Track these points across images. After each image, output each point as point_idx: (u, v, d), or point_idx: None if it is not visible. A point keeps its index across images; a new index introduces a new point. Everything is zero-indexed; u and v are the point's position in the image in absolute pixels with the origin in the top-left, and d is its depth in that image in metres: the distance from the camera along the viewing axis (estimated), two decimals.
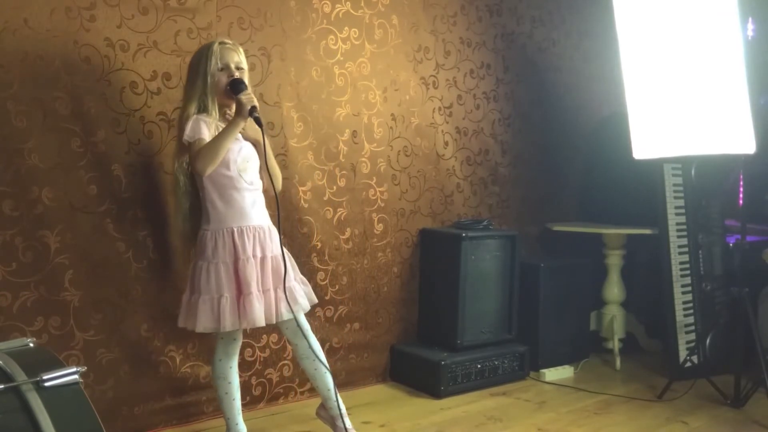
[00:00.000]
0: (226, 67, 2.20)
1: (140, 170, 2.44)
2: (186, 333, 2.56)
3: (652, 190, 3.33)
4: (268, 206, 2.33)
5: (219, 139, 2.14)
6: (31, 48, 2.21)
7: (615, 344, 3.53)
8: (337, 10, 2.94)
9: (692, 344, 3.25)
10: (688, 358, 3.19)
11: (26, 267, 2.23)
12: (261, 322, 2.18)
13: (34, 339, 1.64)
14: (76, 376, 1.43)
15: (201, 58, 2.21)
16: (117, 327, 2.42)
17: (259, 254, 2.22)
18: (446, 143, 3.38)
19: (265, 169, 2.27)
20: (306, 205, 2.87)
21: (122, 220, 2.41)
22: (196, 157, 2.14)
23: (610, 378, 3.35)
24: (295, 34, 2.81)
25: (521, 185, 3.72)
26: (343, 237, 3.01)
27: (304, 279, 2.38)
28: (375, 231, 3.13)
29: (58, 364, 1.45)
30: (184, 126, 2.17)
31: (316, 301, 2.39)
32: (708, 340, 3.27)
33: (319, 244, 2.92)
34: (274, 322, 2.24)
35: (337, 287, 3.00)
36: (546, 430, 2.65)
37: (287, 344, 2.83)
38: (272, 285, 2.23)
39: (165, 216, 2.50)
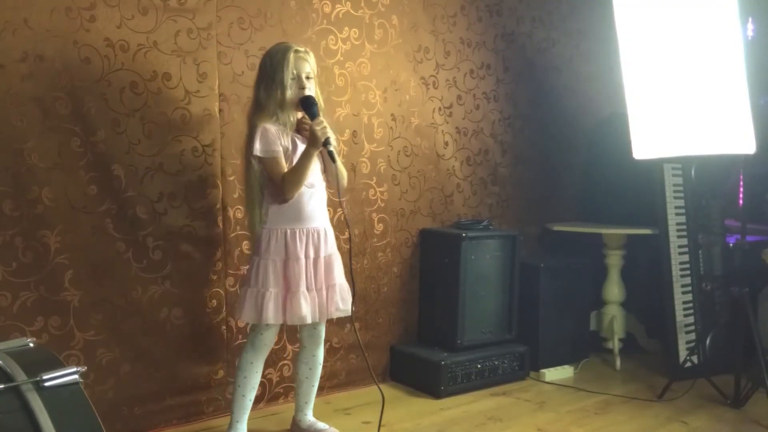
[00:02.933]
0: (297, 78, 2.28)
1: (140, 170, 2.44)
2: (186, 333, 2.57)
3: (652, 190, 3.33)
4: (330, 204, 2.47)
5: (299, 168, 2.25)
6: (31, 48, 2.21)
7: (615, 344, 3.53)
8: (337, 10, 2.94)
9: (692, 344, 3.25)
10: (688, 358, 3.20)
11: (26, 267, 2.24)
12: (308, 319, 2.29)
13: (34, 339, 1.63)
14: (76, 376, 1.43)
15: (276, 66, 2.26)
16: (117, 327, 2.42)
17: (312, 255, 2.33)
18: (446, 143, 3.38)
19: (330, 171, 2.38)
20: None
21: (122, 220, 2.41)
22: (283, 186, 2.26)
23: (610, 378, 3.35)
24: (295, 34, 2.81)
25: (521, 185, 3.72)
26: (343, 237, 3.01)
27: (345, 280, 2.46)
28: (375, 231, 3.13)
29: (58, 364, 1.45)
30: (253, 136, 2.25)
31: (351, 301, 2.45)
32: (708, 340, 3.27)
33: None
34: (325, 319, 2.39)
35: None
36: (546, 430, 2.65)
37: (287, 344, 2.83)
38: (325, 284, 2.35)
39: (165, 216, 2.50)
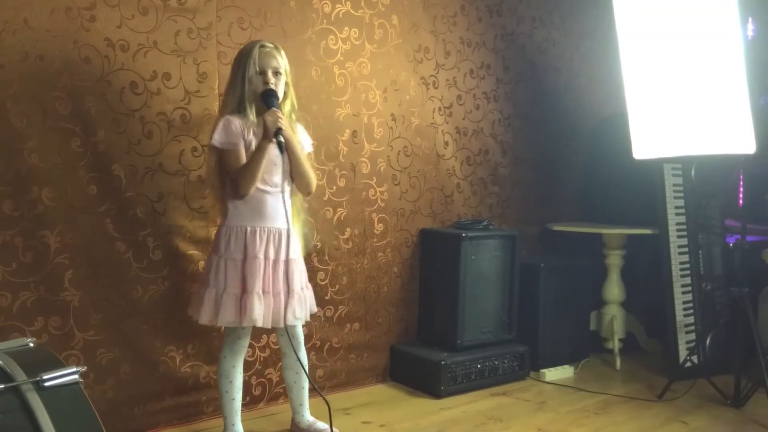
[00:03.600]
0: (263, 73, 2.23)
1: (140, 170, 2.44)
2: (186, 333, 2.57)
3: (652, 190, 3.33)
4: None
5: (252, 161, 2.18)
6: (31, 48, 2.21)
7: (615, 344, 3.53)
8: (337, 10, 2.94)
9: (692, 344, 3.25)
10: (688, 358, 3.20)
11: (26, 267, 2.23)
12: (259, 322, 2.20)
13: (34, 339, 1.63)
14: (76, 376, 1.43)
15: (241, 62, 2.24)
16: (117, 327, 2.42)
17: (271, 256, 2.24)
18: (446, 143, 3.38)
19: (296, 173, 2.31)
20: (306, 205, 2.87)
21: (122, 220, 2.41)
22: (237, 181, 2.20)
23: (610, 378, 3.35)
24: (295, 34, 2.81)
25: (521, 185, 3.72)
26: (343, 237, 3.01)
27: (309, 286, 2.42)
28: (375, 231, 3.13)
29: (58, 364, 1.45)
30: (215, 126, 2.23)
31: (315, 310, 2.44)
32: (708, 340, 3.27)
33: (319, 244, 2.92)
34: (280, 325, 2.27)
35: (337, 287, 3.00)
36: (546, 430, 2.65)
37: None
38: (282, 289, 2.25)
39: (165, 216, 2.50)
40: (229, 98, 2.26)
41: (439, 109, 3.34)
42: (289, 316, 2.25)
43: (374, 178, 3.11)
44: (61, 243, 2.29)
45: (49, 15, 2.24)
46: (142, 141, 2.44)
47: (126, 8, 2.38)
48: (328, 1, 2.91)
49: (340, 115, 2.97)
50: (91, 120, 2.33)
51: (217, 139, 2.21)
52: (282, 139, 2.16)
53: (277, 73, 2.26)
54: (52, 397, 1.37)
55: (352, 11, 2.98)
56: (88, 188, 2.34)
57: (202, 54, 2.55)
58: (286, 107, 2.33)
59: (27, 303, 2.24)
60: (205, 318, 2.22)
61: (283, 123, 2.17)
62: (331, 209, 2.96)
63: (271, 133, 2.15)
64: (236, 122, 2.22)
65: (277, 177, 2.25)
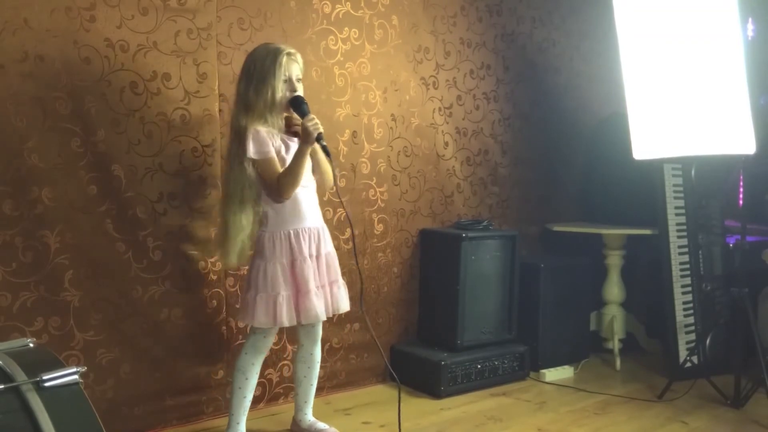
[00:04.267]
0: (288, 81, 2.28)
1: (140, 170, 2.44)
2: (186, 333, 2.57)
3: (652, 191, 3.33)
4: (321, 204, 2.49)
5: (294, 167, 2.24)
6: (31, 48, 2.21)
7: (615, 344, 3.53)
8: (337, 10, 2.94)
9: (692, 344, 3.25)
10: (688, 358, 3.19)
11: (26, 267, 2.23)
12: (322, 316, 2.32)
13: (34, 339, 1.64)
14: (76, 377, 1.43)
15: (268, 69, 2.24)
16: (117, 327, 2.42)
17: (314, 253, 2.34)
18: (446, 143, 3.38)
19: (322, 168, 2.40)
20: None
21: (122, 220, 2.41)
22: (279, 187, 2.25)
23: (610, 378, 3.35)
24: (295, 34, 2.81)
25: (521, 185, 3.72)
26: (343, 237, 3.01)
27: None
28: (375, 231, 3.13)
29: (58, 365, 1.45)
30: (245, 139, 2.23)
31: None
32: (708, 340, 3.27)
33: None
34: (333, 314, 2.41)
35: None
36: (546, 430, 2.65)
37: (287, 344, 2.83)
38: (327, 281, 2.37)
39: (165, 216, 2.50)
40: (255, 105, 2.25)
41: (439, 109, 3.34)
42: (342, 304, 2.40)
43: (374, 178, 3.11)
44: (61, 243, 2.29)
45: (49, 15, 2.24)
46: (142, 141, 2.44)
47: (126, 8, 2.38)
48: (328, 2, 2.91)
49: (340, 115, 2.97)
50: (91, 120, 2.33)
51: (253, 150, 2.24)
52: (325, 143, 2.26)
53: (299, 80, 2.33)
54: (52, 397, 1.37)
55: (352, 11, 2.99)
56: (88, 188, 2.34)
57: (202, 54, 2.56)
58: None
59: (27, 303, 2.24)
60: (260, 321, 2.27)
61: (321, 128, 2.24)
62: (331, 209, 2.96)
63: (313, 138, 2.22)
64: (263, 131, 2.26)
65: (307, 176, 2.34)
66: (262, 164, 2.26)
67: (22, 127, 2.21)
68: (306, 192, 2.35)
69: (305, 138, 2.24)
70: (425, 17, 3.25)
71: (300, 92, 2.32)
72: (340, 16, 2.95)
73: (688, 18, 2.90)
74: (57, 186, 2.27)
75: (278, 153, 2.29)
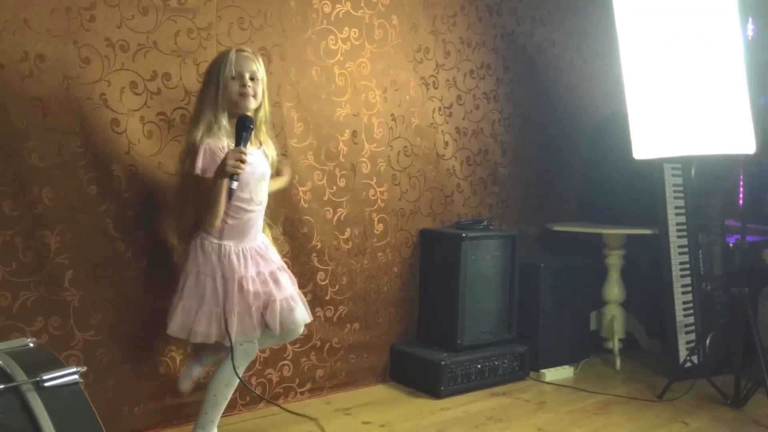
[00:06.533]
0: (239, 76, 2.18)
1: (140, 170, 2.44)
2: None
3: (652, 190, 3.33)
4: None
5: (212, 199, 2.10)
6: (31, 48, 2.21)
7: (615, 344, 3.53)
8: (337, 10, 2.94)
9: (692, 344, 3.25)
10: (688, 358, 3.20)
11: (26, 267, 2.23)
12: (276, 330, 2.26)
13: (34, 339, 1.63)
14: (76, 376, 1.43)
15: (216, 65, 2.21)
16: (117, 327, 2.42)
17: (264, 269, 2.27)
18: (446, 143, 3.38)
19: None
20: (306, 205, 2.87)
21: (122, 220, 2.41)
22: (204, 216, 2.15)
23: (610, 378, 3.35)
24: (295, 34, 2.81)
25: (521, 185, 3.72)
26: (343, 237, 3.01)
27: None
28: (375, 231, 3.13)
29: (58, 364, 1.45)
30: (197, 151, 2.12)
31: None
32: (708, 340, 3.27)
33: (319, 244, 2.92)
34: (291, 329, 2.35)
35: (337, 287, 3.00)
36: (546, 430, 2.65)
37: (287, 345, 2.83)
38: (277, 296, 2.27)
39: (165, 216, 2.50)
40: (203, 102, 2.17)
41: (439, 109, 3.34)
42: (297, 317, 2.33)
43: (374, 178, 3.11)
44: (61, 243, 2.29)
45: (49, 15, 2.23)
46: (142, 141, 2.44)
47: (126, 8, 2.38)
48: (328, 1, 2.91)
49: (340, 115, 2.97)
50: (91, 120, 2.33)
51: (202, 168, 2.12)
52: (234, 187, 2.06)
53: (253, 78, 2.21)
54: (52, 397, 1.37)
55: (352, 11, 2.98)
56: (88, 188, 2.34)
57: (202, 54, 2.55)
58: (260, 117, 2.28)
59: (27, 303, 2.24)
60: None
61: (244, 167, 2.06)
62: (331, 209, 2.96)
63: (226, 175, 2.05)
64: (217, 148, 2.13)
65: (263, 194, 2.29)
66: (204, 181, 2.14)
67: (22, 127, 2.20)
68: (259, 210, 2.28)
69: (219, 169, 2.06)
70: (425, 17, 3.25)
71: (255, 91, 2.20)
72: (340, 15, 2.95)
73: (688, 18, 2.91)
74: (57, 186, 2.27)
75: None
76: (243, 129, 2.11)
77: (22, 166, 2.21)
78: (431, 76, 3.30)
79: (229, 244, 2.21)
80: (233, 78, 2.18)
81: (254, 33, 2.69)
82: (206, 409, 2.31)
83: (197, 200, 2.22)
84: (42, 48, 2.23)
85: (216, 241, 2.21)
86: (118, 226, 2.40)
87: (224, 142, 2.16)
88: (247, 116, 2.15)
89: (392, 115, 3.16)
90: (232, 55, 2.19)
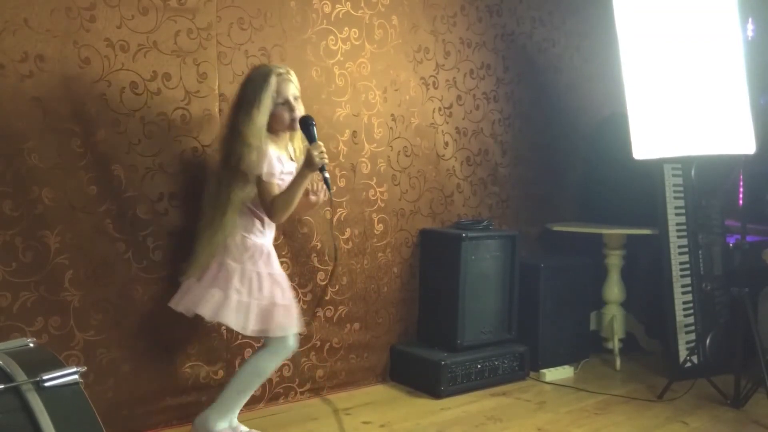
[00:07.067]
0: (285, 102, 2.29)
1: (140, 170, 2.44)
2: (186, 333, 2.57)
3: (652, 190, 3.33)
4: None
5: (292, 192, 2.25)
6: (31, 48, 2.21)
7: (615, 344, 3.53)
8: (337, 10, 2.94)
9: (692, 344, 3.25)
10: (688, 358, 3.20)
11: (26, 267, 2.23)
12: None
13: (34, 339, 1.63)
14: (76, 376, 1.43)
15: (260, 92, 2.24)
16: (117, 327, 2.42)
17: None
18: (446, 143, 3.38)
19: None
20: None
21: (122, 220, 2.41)
22: (273, 209, 2.27)
23: (610, 378, 3.35)
24: (295, 34, 2.81)
25: (521, 185, 3.72)
26: (343, 237, 3.01)
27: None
28: (375, 231, 3.13)
29: (58, 364, 1.45)
30: (261, 160, 2.23)
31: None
32: (708, 340, 3.27)
33: (319, 244, 2.92)
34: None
35: (337, 287, 3.00)
36: (546, 430, 2.65)
37: None
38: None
39: (165, 216, 2.50)
40: (258, 126, 2.24)
41: (439, 109, 3.34)
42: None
43: (374, 178, 3.11)
44: (61, 243, 2.29)
45: (49, 15, 2.24)
46: (142, 141, 2.44)
47: (126, 8, 2.38)
48: (328, 2, 2.91)
49: (340, 115, 2.97)
50: (91, 120, 2.33)
51: (267, 173, 2.25)
52: (327, 175, 2.27)
53: (296, 98, 2.33)
54: (52, 397, 1.37)
55: (352, 11, 2.98)
56: (88, 188, 2.34)
57: (202, 54, 2.56)
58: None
59: (27, 303, 2.24)
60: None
61: (326, 158, 2.24)
62: (330, 210, 2.96)
63: (317, 168, 2.22)
64: (277, 157, 2.29)
65: None
66: (268, 186, 2.28)
67: (22, 127, 2.21)
68: None
69: (308, 163, 2.23)
70: (425, 17, 3.25)
71: (300, 111, 2.33)
72: (340, 16, 2.95)
73: (688, 18, 2.91)
74: (57, 186, 2.27)
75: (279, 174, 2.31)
76: (309, 124, 2.29)
77: (22, 166, 2.21)
78: (431, 76, 3.30)
79: (266, 243, 2.37)
80: (282, 104, 2.29)
81: (254, 33, 2.69)
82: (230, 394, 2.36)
83: (251, 202, 2.32)
84: (42, 48, 2.23)
85: (256, 239, 2.33)
86: (118, 226, 2.41)
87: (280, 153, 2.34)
88: (308, 115, 2.31)
89: (392, 115, 3.16)
90: (274, 81, 2.26)
